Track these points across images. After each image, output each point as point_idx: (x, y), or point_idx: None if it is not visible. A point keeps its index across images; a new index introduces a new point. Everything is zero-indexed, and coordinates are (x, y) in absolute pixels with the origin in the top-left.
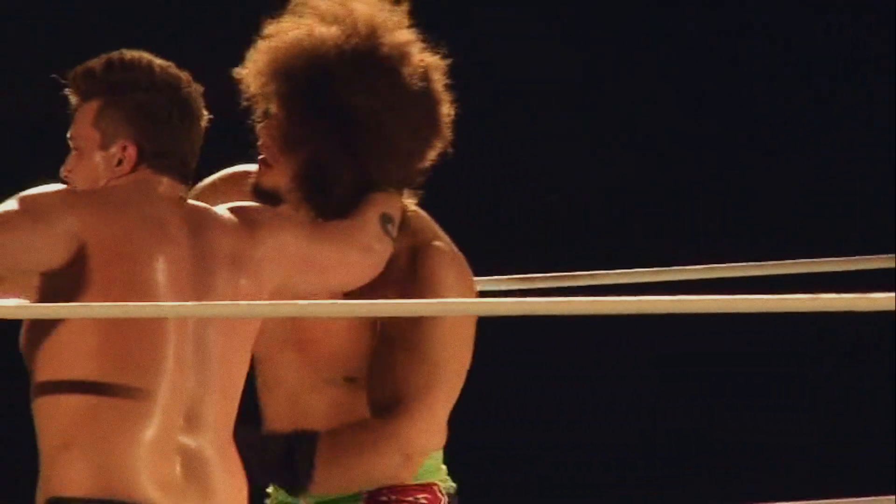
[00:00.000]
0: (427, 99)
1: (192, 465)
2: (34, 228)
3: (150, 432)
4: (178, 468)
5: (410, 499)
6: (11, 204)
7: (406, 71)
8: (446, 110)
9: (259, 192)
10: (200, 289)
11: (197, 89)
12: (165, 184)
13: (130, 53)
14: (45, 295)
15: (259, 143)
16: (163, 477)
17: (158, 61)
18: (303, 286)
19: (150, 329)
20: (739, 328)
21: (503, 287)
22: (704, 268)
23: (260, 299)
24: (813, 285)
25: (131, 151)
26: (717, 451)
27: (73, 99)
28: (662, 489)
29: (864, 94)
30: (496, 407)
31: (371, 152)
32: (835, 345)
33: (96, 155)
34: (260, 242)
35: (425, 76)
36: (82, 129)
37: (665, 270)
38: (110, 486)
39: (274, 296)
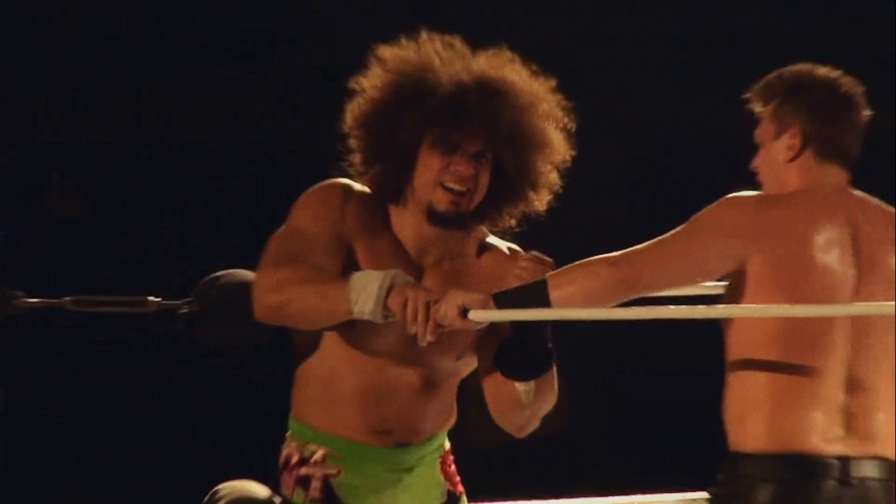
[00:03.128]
0: None
1: (850, 421)
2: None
3: (816, 398)
4: (838, 424)
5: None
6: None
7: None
8: None
9: None
10: (859, 269)
11: (857, 89)
12: (830, 172)
13: (796, 65)
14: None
15: None
16: (827, 432)
17: (822, 68)
18: None
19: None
20: None
21: None
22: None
23: None
24: None
25: (798, 136)
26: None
27: (757, 107)
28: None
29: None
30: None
31: None
32: None
33: (773, 145)
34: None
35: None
36: (764, 125)
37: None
38: (784, 442)
39: None
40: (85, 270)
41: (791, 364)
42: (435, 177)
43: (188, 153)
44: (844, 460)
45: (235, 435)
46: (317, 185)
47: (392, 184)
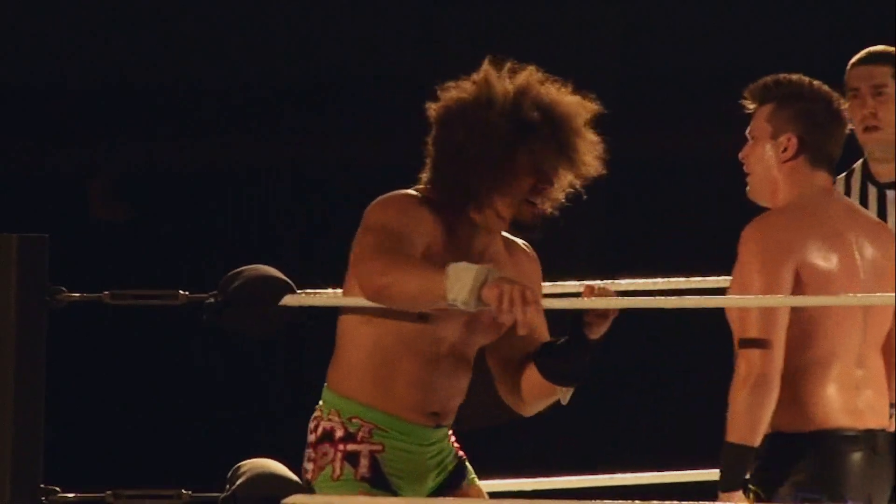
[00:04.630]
0: None
1: (866, 395)
2: None
3: (836, 379)
4: (856, 399)
5: None
6: None
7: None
8: None
9: None
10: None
11: (843, 102)
12: (820, 176)
13: (793, 75)
14: None
15: None
16: (848, 406)
17: (814, 80)
18: None
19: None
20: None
21: None
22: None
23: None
24: None
25: (794, 142)
26: None
27: (750, 104)
28: None
29: None
30: None
31: None
32: None
33: (767, 143)
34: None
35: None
36: (758, 123)
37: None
38: (813, 420)
39: None
40: (122, 269)
41: (820, 345)
42: (524, 195)
43: (211, 175)
44: (869, 432)
45: (260, 418)
46: (391, 194)
47: (477, 196)
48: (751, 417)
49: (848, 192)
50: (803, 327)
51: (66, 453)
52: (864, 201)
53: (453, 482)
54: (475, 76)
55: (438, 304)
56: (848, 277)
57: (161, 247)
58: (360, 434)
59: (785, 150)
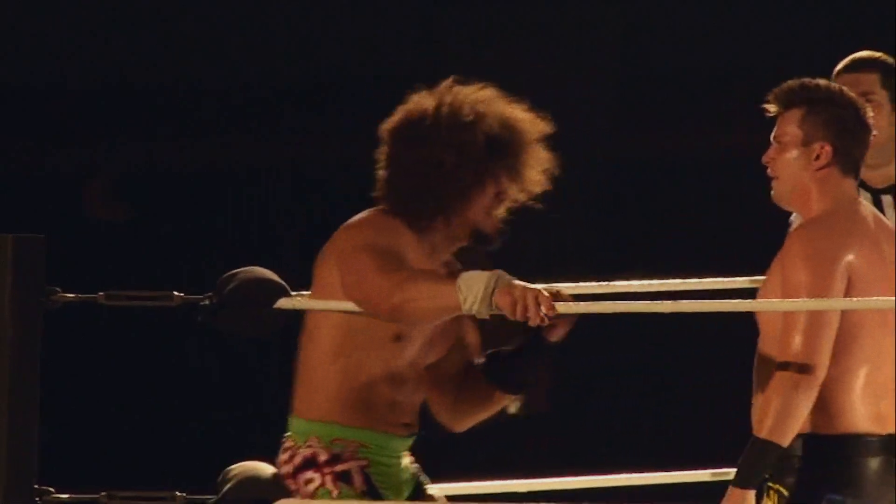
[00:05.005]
0: None
1: (888, 400)
2: None
3: (864, 385)
4: (880, 404)
5: None
6: None
7: None
8: None
9: None
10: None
11: (869, 110)
12: (849, 184)
13: (819, 80)
14: None
15: None
16: (873, 412)
17: (842, 87)
18: None
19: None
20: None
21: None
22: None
23: None
24: None
25: (828, 150)
26: None
27: (773, 108)
28: None
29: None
30: None
31: None
32: None
33: (798, 149)
34: None
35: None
36: (788, 128)
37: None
38: (840, 424)
39: None
40: (122, 269)
41: (868, 357)
42: (488, 208)
43: (211, 175)
44: (890, 438)
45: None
46: (359, 217)
47: (445, 209)
48: (787, 418)
49: None
50: (845, 334)
51: (60, 454)
52: None
53: (419, 490)
54: (435, 91)
55: (453, 315)
56: (886, 284)
57: (161, 247)
58: (346, 454)
59: (818, 157)
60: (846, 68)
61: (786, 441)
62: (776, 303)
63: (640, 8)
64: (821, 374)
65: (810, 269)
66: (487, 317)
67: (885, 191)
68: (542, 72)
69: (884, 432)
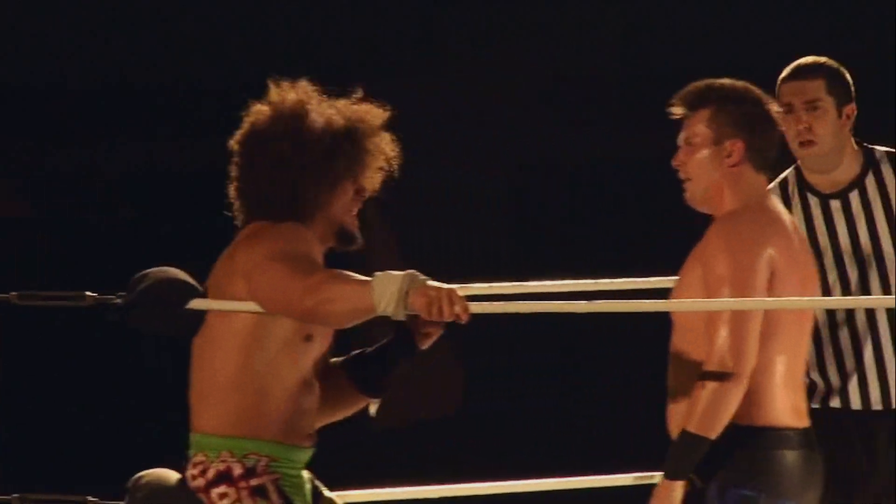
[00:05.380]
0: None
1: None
2: None
3: (786, 377)
4: (801, 398)
5: None
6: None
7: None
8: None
9: None
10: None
11: (774, 105)
12: (762, 181)
13: (723, 79)
14: None
15: None
16: (794, 405)
17: (746, 83)
18: None
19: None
20: None
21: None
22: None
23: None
24: None
25: (740, 146)
26: None
27: (679, 110)
28: None
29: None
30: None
31: None
32: None
33: (709, 149)
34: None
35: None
36: (697, 129)
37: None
38: (762, 416)
39: None
40: (122, 269)
41: (774, 345)
42: (349, 207)
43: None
44: (809, 431)
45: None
46: (262, 226)
47: (313, 210)
48: (716, 411)
49: (787, 201)
50: (765, 326)
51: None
52: (806, 210)
53: (319, 498)
54: (277, 99)
55: (368, 316)
56: (798, 278)
57: (161, 247)
58: (259, 468)
59: (730, 154)
60: (791, 75)
61: (714, 434)
62: (689, 303)
63: (640, 8)
64: (748, 365)
65: (733, 262)
66: (403, 318)
67: (834, 196)
68: (542, 71)
69: (801, 426)
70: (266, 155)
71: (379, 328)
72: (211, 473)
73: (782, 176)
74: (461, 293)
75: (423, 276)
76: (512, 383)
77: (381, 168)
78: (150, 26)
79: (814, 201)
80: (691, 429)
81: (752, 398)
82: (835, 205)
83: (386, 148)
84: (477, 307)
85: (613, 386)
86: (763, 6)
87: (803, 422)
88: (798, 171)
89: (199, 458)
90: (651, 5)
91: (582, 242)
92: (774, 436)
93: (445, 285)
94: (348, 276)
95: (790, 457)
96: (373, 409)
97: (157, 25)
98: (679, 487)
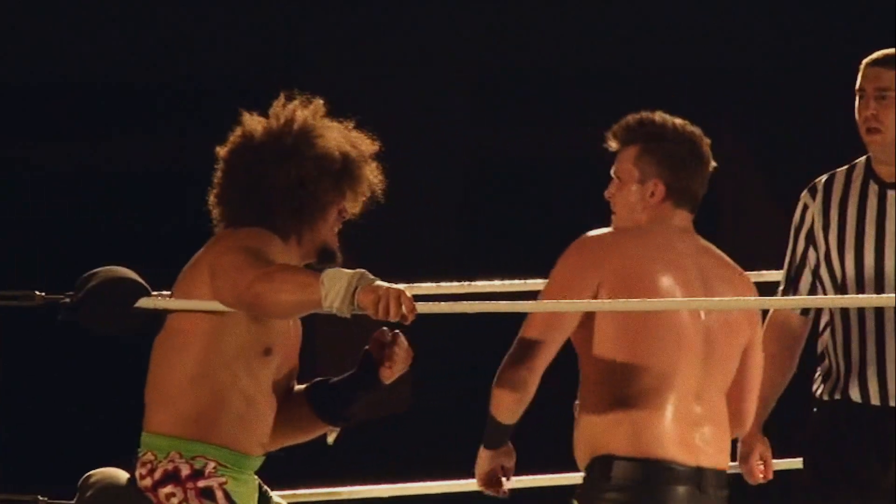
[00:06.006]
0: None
1: (703, 431)
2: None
3: (673, 411)
4: (694, 434)
5: None
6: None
7: None
8: None
9: None
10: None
11: (707, 141)
12: (680, 216)
13: (656, 114)
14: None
15: None
16: (684, 440)
17: (678, 119)
18: None
19: (669, 331)
20: None
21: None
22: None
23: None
24: None
25: (661, 188)
26: None
27: (614, 144)
28: None
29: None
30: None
31: None
32: None
33: (634, 186)
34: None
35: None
36: (625, 166)
37: None
38: (646, 448)
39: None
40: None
41: (654, 373)
42: (332, 224)
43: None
44: (699, 470)
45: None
46: (251, 227)
47: (296, 230)
48: (506, 402)
49: (848, 187)
50: (634, 351)
51: None
52: (863, 198)
53: (266, 500)
54: (286, 114)
55: (312, 310)
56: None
57: (161, 247)
58: (207, 470)
59: (652, 194)
60: (871, 62)
61: (509, 421)
62: (634, 303)
63: (640, 8)
64: (538, 371)
65: (566, 272)
66: (349, 315)
67: (892, 185)
68: (491, 67)
69: (693, 463)
70: (265, 169)
71: (348, 357)
72: (158, 473)
73: (855, 161)
74: (409, 293)
75: (372, 276)
76: (465, 382)
77: (365, 195)
78: (150, 26)
79: (873, 189)
80: (490, 410)
81: (633, 430)
82: (891, 195)
83: (372, 177)
84: (424, 307)
85: (566, 387)
86: (763, 6)
87: (695, 459)
88: (868, 159)
89: (148, 457)
90: (651, 5)
91: (531, 241)
92: (659, 469)
93: (394, 285)
94: (300, 269)
95: (674, 492)
96: (331, 439)
97: (157, 25)
98: (490, 453)
